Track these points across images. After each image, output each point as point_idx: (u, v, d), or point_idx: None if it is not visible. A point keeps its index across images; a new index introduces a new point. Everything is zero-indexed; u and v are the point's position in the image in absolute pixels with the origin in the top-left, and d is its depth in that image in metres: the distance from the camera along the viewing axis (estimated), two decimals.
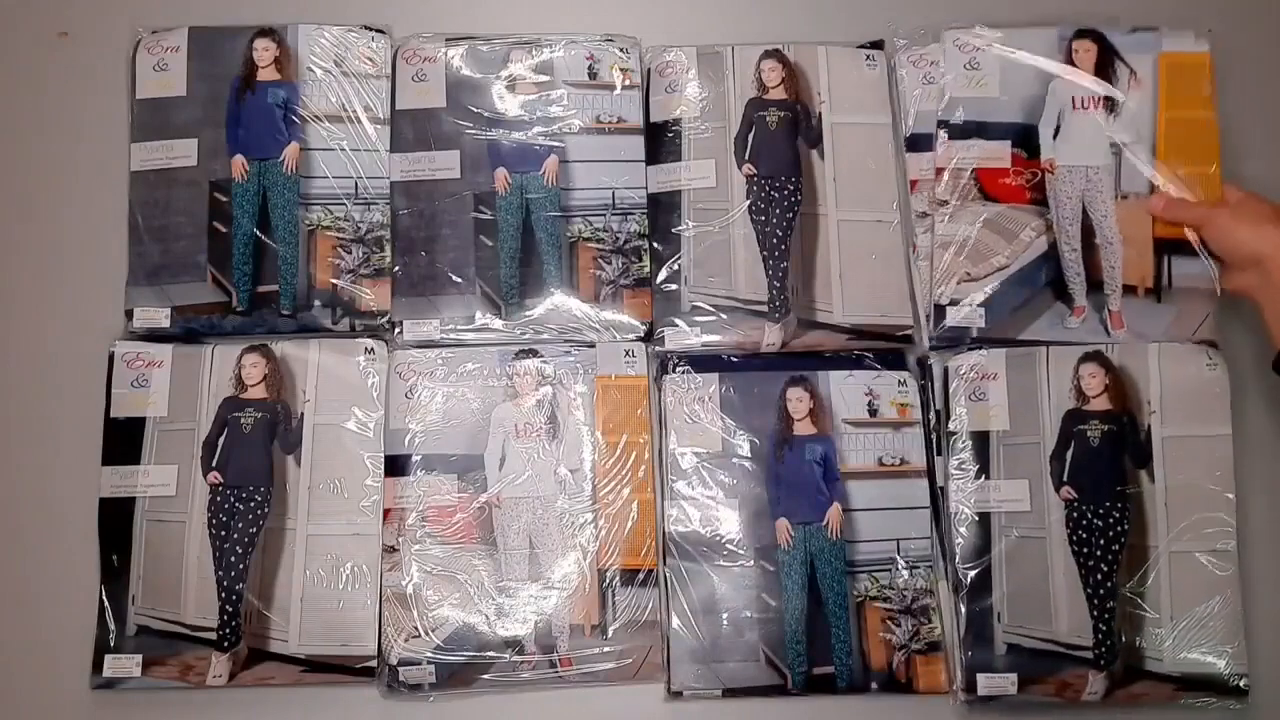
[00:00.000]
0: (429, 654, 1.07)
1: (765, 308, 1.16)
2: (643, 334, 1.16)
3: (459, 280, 1.16)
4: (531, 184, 1.19)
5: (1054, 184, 1.17)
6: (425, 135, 1.20)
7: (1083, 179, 1.17)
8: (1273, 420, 1.15)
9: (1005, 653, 1.07)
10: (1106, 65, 1.19)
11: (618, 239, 1.18)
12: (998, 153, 1.18)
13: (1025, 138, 1.19)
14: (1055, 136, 1.18)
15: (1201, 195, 1.14)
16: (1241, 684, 1.06)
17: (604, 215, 1.19)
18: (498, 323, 1.16)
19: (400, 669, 1.07)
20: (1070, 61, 1.19)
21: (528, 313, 1.16)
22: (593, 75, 1.22)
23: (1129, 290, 1.15)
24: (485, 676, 1.07)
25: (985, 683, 1.06)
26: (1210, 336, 1.13)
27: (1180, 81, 1.18)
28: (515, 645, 1.08)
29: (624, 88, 1.22)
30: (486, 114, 1.20)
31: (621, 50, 1.23)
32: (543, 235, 1.18)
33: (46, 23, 1.25)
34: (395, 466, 1.12)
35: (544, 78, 1.21)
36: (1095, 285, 1.15)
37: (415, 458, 1.12)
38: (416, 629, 1.08)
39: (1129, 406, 1.11)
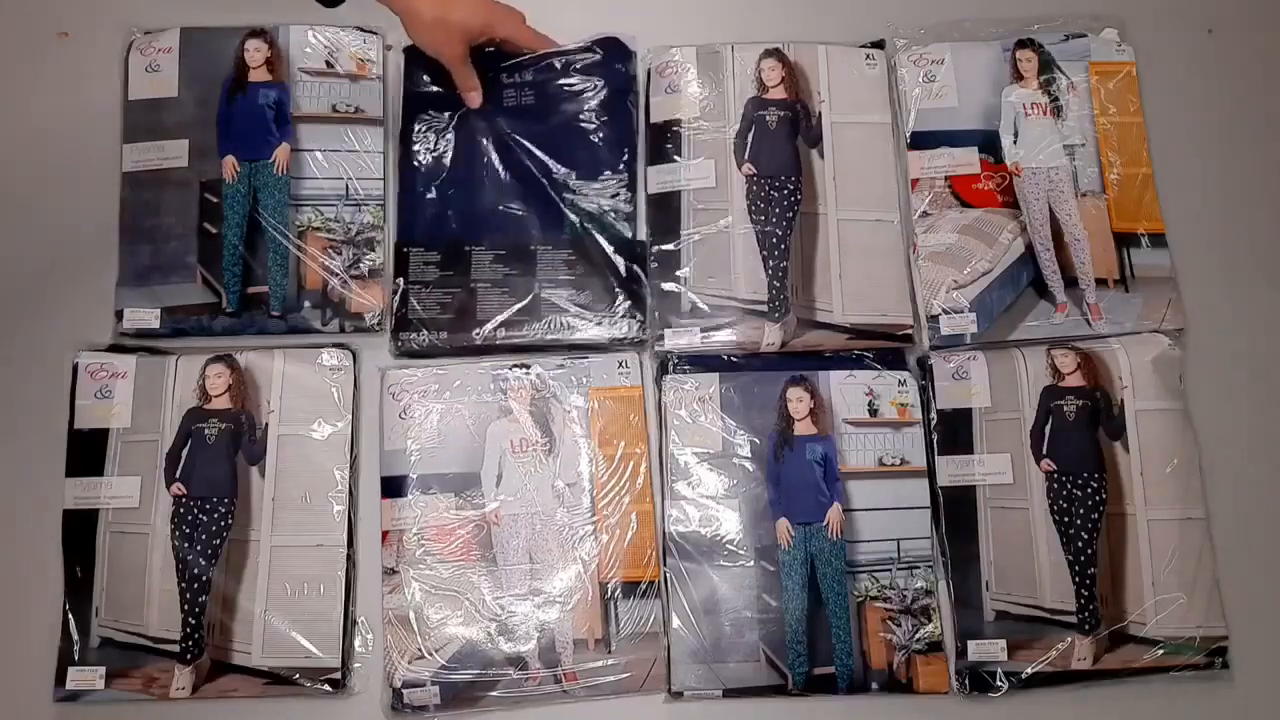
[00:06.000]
0: (433, 674, 1.14)
1: (765, 308, 1.24)
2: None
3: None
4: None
5: (1021, 186, 1.29)
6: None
7: (1045, 180, 1.29)
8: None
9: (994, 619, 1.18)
10: (1048, 73, 1.33)
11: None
12: (966, 159, 1.30)
13: (989, 143, 1.31)
14: (1015, 142, 1.31)
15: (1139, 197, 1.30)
16: (1221, 645, 1.16)
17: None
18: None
19: (405, 691, 1.13)
20: (1016, 71, 1.33)
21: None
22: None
23: (1100, 283, 1.27)
24: (490, 694, 1.14)
25: (975, 648, 1.17)
26: (1175, 319, 1.26)
27: (1110, 89, 1.33)
28: (519, 662, 1.15)
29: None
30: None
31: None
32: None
33: (44, 23, 1.34)
34: (392, 487, 1.19)
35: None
36: (1071, 281, 1.26)
37: (412, 477, 1.19)
38: (420, 650, 1.14)
39: (1101, 382, 1.22)
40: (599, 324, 1.24)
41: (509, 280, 1.26)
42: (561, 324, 1.24)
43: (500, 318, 1.24)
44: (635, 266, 1.27)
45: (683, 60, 1.31)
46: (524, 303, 1.25)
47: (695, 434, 1.21)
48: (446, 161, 1.30)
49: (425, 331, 1.24)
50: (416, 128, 1.31)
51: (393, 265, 1.27)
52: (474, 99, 1.30)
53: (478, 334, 1.24)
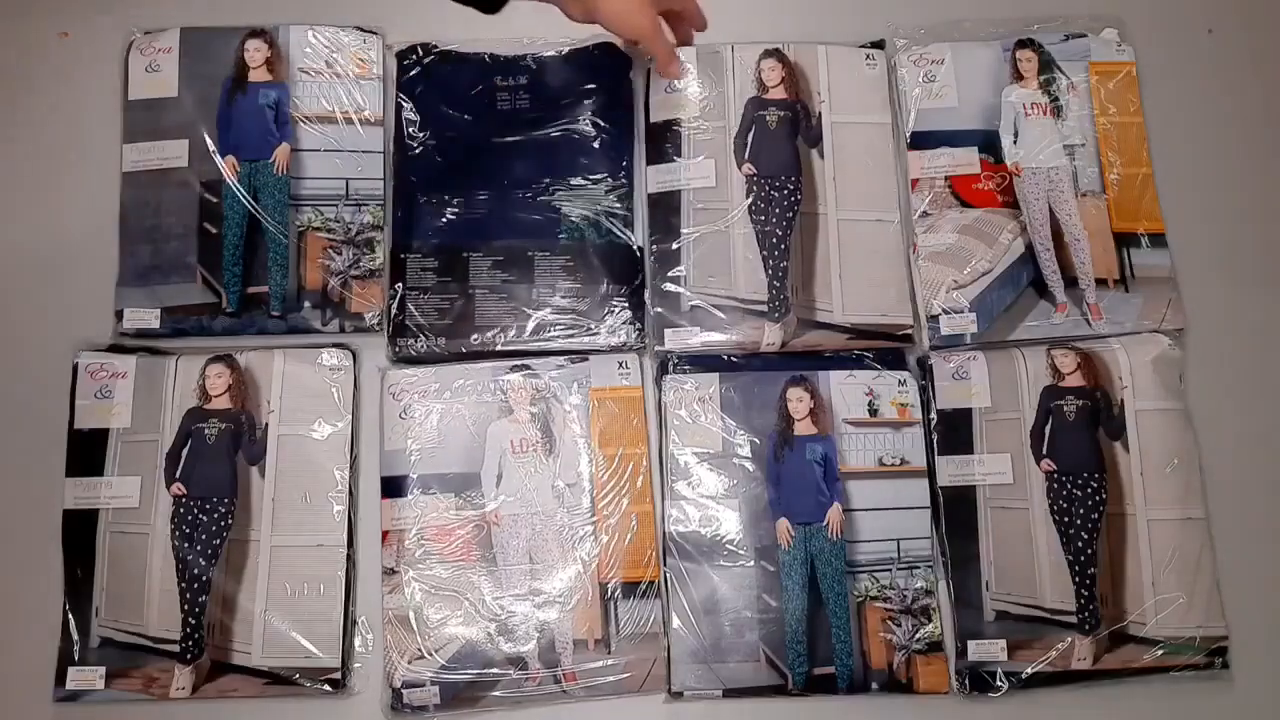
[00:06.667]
0: (433, 675, 1.15)
1: (765, 308, 1.25)
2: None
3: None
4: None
5: (1021, 186, 1.30)
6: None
7: (1045, 180, 1.30)
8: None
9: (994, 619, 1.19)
10: (1048, 73, 1.34)
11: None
12: (966, 159, 1.31)
13: (989, 143, 1.32)
14: (1015, 142, 1.32)
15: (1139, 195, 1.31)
16: (1221, 645, 1.17)
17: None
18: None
19: (404, 691, 1.14)
20: (1016, 71, 1.34)
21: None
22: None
23: (1100, 283, 1.28)
24: (490, 694, 1.15)
25: (975, 648, 1.18)
26: (1175, 319, 1.27)
27: (1110, 89, 1.34)
28: (519, 662, 1.16)
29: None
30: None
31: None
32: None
33: (44, 23, 1.36)
34: (392, 488, 1.20)
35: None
36: (1071, 281, 1.27)
37: (412, 477, 1.20)
38: (420, 650, 1.15)
39: (1101, 382, 1.23)
40: (597, 331, 1.25)
41: (507, 286, 1.27)
42: (560, 331, 1.25)
43: (498, 324, 1.25)
44: (634, 273, 1.28)
45: (683, 60, 1.32)
46: (522, 309, 1.26)
47: (695, 434, 1.22)
48: (442, 167, 1.31)
49: (423, 337, 1.25)
50: (410, 133, 1.32)
51: (388, 272, 1.28)
52: (676, 70, 1.29)
53: (476, 339, 1.25)
